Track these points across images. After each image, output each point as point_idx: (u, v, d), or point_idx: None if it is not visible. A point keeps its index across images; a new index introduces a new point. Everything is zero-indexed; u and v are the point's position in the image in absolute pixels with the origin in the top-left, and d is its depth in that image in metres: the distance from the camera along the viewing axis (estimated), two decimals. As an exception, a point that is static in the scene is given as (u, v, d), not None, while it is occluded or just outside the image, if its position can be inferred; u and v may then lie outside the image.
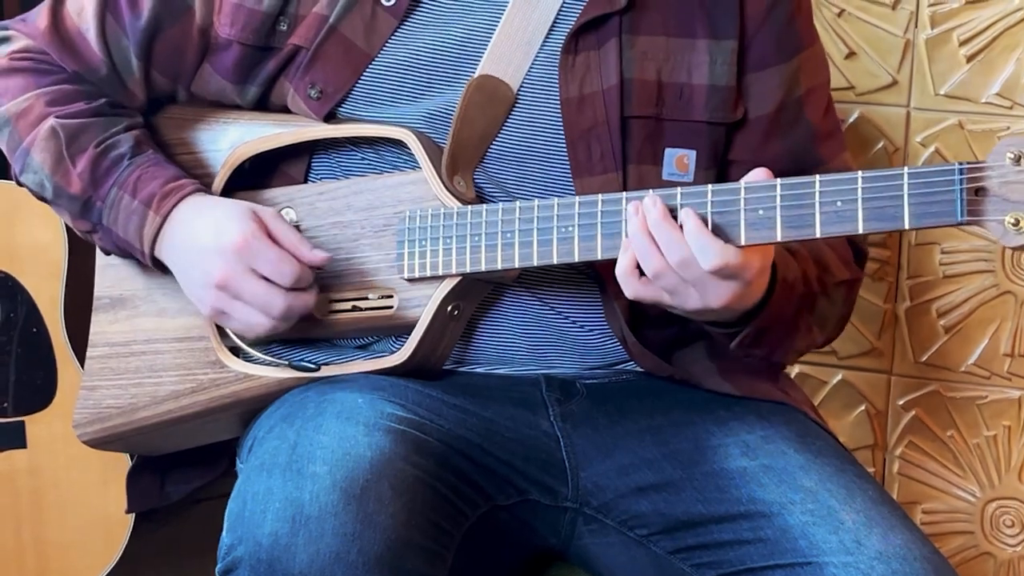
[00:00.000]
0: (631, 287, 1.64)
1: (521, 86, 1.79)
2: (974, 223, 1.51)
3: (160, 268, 1.82)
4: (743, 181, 1.61)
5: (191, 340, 1.85)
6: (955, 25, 2.25)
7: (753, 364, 1.82)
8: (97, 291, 1.94)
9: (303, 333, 1.81)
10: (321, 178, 1.84)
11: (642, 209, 1.63)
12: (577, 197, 1.68)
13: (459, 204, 1.74)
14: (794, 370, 2.39)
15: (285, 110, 1.85)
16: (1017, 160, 1.50)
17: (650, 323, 1.81)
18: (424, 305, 1.75)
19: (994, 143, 2.18)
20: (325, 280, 1.79)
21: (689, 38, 1.80)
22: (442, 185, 1.75)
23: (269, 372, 1.80)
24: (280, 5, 1.80)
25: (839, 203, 1.56)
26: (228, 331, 1.83)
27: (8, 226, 2.55)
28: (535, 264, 1.70)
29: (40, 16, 1.88)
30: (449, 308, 1.75)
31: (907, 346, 2.36)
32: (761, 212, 1.59)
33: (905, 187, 1.54)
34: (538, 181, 1.79)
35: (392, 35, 1.80)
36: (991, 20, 2.24)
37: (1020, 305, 2.30)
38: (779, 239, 1.59)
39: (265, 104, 1.86)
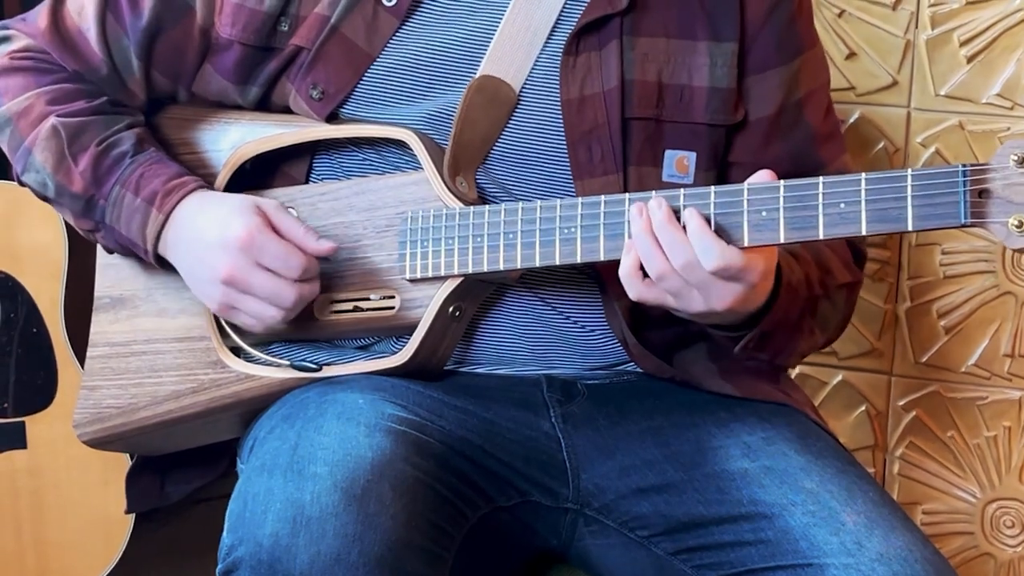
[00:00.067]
0: (635, 288, 1.64)
1: (523, 87, 1.78)
2: (978, 225, 1.51)
3: (163, 266, 1.82)
4: (746, 183, 1.61)
5: (192, 340, 1.85)
6: (955, 26, 2.25)
7: (756, 366, 1.82)
8: (97, 291, 1.94)
9: (304, 333, 1.81)
10: (323, 178, 1.84)
11: (646, 211, 1.62)
12: (580, 198, 1.68)
13: (461, 205, 1.74)
14: (794, 371, 2.39)
15: (286, 110, 1.84)
16: (1021, 162, 1.49)
17: (651, 324, 1.81)
18: (426, 306, 1.74)
19: (995, 144, 2.20)
20: (327, 280, 1.78)
21: (690, 40, 1.80)
22: (444, 186, 1.75)
23: (270, 372, 1.80)
24: (281, 5, 1.80)
25: (842, 205, 1.56)
26: (228, 331, 1.83)
27: (8, 226, 2.55)
28: (537, 265, 1.70)
29: (40, 16, 1.88)
30: (451, 309, 1.75)
31: (907, 347, 2.36)
32: (764, 214, 1.59)
33: (908, 189, 1.54)
34: (539, 182, 1.79)
35: (393, 35, 1.80)
36: (991, 21, 2.24)
37: (1020, 306, 2.30)
38: (782, 241, 1.59)
39: (266, 104, 1.86)
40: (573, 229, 1.68)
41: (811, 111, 1.85)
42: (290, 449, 1.59)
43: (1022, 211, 1.50)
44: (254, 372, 1.80)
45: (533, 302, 1.80)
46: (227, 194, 1.81)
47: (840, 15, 2.29)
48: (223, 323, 1.83)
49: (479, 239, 1.72)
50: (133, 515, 2.56)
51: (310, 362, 1.78)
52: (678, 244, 1.60)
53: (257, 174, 1.86)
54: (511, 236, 1.70)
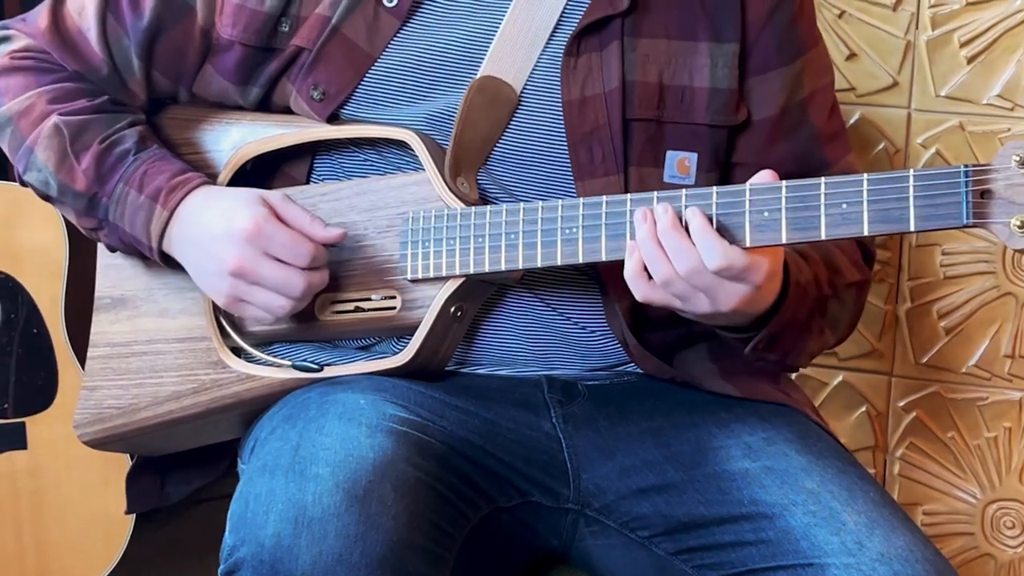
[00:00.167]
0: (640, 289, 1.64)
1: (524, 88, 1.78)
2: (980, 226, 1.51)
3: (167, 263, 1.82)
4: (748, 183, 1.61)
5: (193, 340, 1.85)
6: (956, 26, 2.26)
7: (767, 368, 1.82)
8: (98, 291, 1.94)
9: (305, 334, 1.81)
10: (323, 179, 1.84)
11: (651, 216, 1.62)
12: (581, 199, 1.68)
13: (462, 205, 1.74)
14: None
15: (287, 111, 1.84)
16: (1023, 163, 1.49)
17: (651, 325, 1.81)
18: (427, 306, 1.74)
19: (995, 145, 2.20)
20: (328, 280, 1.78)
21: (691, 41, 1.80)
22: (445, 186, 1.75)
23: (271, 373, 1.80)
24: (282, 6, 1.80)
25: (844, 205, 1.56)
26: (229, 331, 1.83)
27: (8, 227, 2.55)
28: (539, 265, 1.70)
29: (40, 16, 1.88)
30: (452, 309, 1.75)
31: (908, 347, 2.36)
32: (766, 214, 1.59)
33: (911, 189, 1.54)
34: (540, 183, 1.79)
35: (394, 36, 1.80)
36: (992, 21, 2.24)
37: (1021, 307, 2.30)
38: (784, 241, 1.59)
39: (267, 105, 1.86)
40: (575, 229, 1.68)
41: (815, 111, 1.85)
42: (292, 450, 1.59)
43: (1024, 211, 1.50)
44: (255, 372, 1.80)
45: (534, 303, 1.80)
46: (231, 188, 1.82)
47: (840, 16, 2.29)
48: (224, 323, 1.83)
49: (480, 239, 1.72)
50: (133, 515, 2.56)
51: (311, 362, 1.78)
52: (683, 250, 1.60)
53: (258, 175, 1.86)
54: (512, 236, 1.70)
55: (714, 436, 1.76)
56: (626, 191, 1.76)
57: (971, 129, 2.27)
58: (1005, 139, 2.24)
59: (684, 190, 1.64)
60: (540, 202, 1.70)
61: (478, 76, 1.77)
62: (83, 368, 1.98)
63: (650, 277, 1.63)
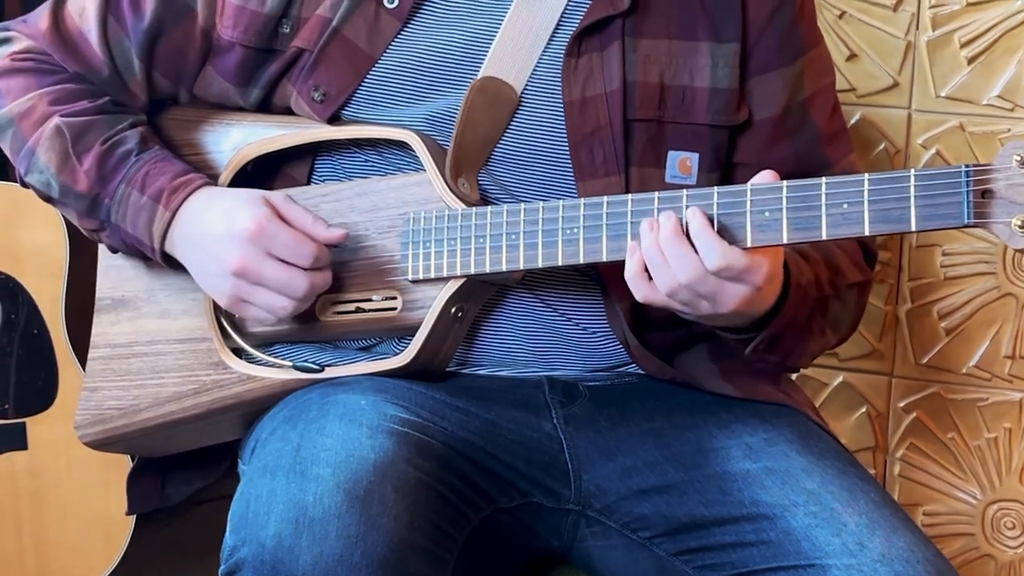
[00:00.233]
0: (641, 290, 1.64)
1: (525, 88, 1.79)
2: (981, 225, 1.51)
3: (170, 264, 1.82)
4: (749, 183, 1.61)
5: (193, 341, 1.85)
6: (956, 27, 2.26)
7: (768, 369, 1.82)
8: (99, 292, 1.94)
9: (306, 334, 1.81)
10: (324, 180, 1.84)
11: (657, 227, 1.62)
12: (582, 199, 1.68)
13: (463, 206, 1.74)
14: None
15: (288, 112, 1.84)
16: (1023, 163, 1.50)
17: (652, 326, 1.81)
18: (428, 306, 1.74)
19: (996, 145, 2.20)
20: (329, 281, 1.79)
21: (691, 41, 1.80)
22: (446, 187, 1.75)
23: (272, 373, 1.80)
24: (283, 7, 1.80)
25: (845, 205, 1.56)
26: (230, 331, 1.83)
27: (9, 227, 2.55)
28: (540, 266, 1.70)
29: (41, 17, 1.88)
30: (453, 310, 1.75)
31: (908, 348, 2.36)
32: (767, 214, 1.59)
33: (911, 189, 1.54)
34: (541, 183, 1.79)
35: (395, 37, 1.80)
36: (992, 22, 2.24)
37: (1021, 307, 2.30)
38: (785, 241, 1.59)
39: (268, 106, 1.86)
40: (576, 230, 1.68)
41: (816, 111, 1.85)
42: (292, 450, 1.59)
43: (1025, 211, 1.50)
44: (256, 373, 1.80)
45: (535, 304, 1.80)
46: (233, 188, 1.82)
47: (841, 16, 2.30)
48: (225, 324, 1.83)
49: (481, 240, 1.72)
50: (134, 516, 2.56)
51: (312, 363, 1.78)
52: (684, 257, 1.60)
53: (259, 175, 1.86)
54: (513, 237, 1.70)
55: (715, 437, 1.76)
56: (627, 191, 1.76)
57: (971, 130, 2.27)
58: (1005, 140, 2.24)
59: (685, 190, 1.64)
60: (541, 202, 1.70)
61: (479, 77, 1.77)
62: (84, 369, 1.98)
63: (651, 278, 1.63)
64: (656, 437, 1.78)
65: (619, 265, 1.66)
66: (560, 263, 1.69)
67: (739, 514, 1.69)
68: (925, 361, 2.35)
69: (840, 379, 2.40)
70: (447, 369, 1.81)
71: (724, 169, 1.83)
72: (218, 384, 1.82)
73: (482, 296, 1.78)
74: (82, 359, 2.49)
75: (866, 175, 1.56)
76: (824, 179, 1.58)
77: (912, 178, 1.54)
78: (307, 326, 1.79)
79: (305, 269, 1.73)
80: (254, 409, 1.82)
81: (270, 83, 1.83)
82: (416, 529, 1.57)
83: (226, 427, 1.88)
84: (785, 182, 1.59)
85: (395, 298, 1.77)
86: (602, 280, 1.79)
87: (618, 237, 1.66)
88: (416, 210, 1.76)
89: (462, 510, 1.67)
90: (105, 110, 1.84)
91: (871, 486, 1.70)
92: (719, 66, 1.80)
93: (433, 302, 1.74)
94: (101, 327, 1.93)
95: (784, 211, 1.59)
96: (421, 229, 1.75)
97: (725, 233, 1.60)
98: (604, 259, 1.67)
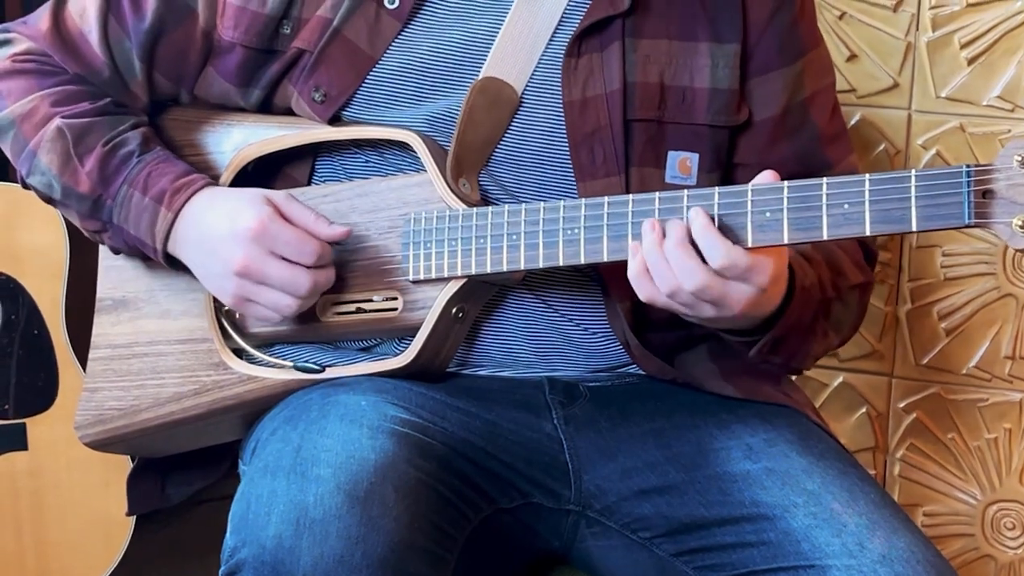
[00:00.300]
0: (645, 290, 1.64)
1: (525, 89, 1.79)
2: (982, 226, 1.51)
3: (172, 265, 1.82)
4: (751, 184, 1.61)
5: (194, 342, 1.85)
6: (956, 28, 2.26)
7: (772, 371, 1.82)
8: (100, 292, 1.94)
9: (307, 335, 1.81)
10: (325, 180, 1.84)
11: (659, 228, 1.62)
12: (583, 199, 1.68)
13: (464, 206, 1.74)
14: (794, 372, 2.39)
15: (289, 112, 1.84)
16: (1025, 162, 1.50)
17: (653, 326, 1.81)
18: (429, 307, 1.74)
19: (996, 146, 2.20)
20: (329, 281, 1.79)
21: (691, 41, 1.80)
22: (447, 187, 1.75)
23: (273, 374, 1.80)
24: (283, 8, 1.80)
25: (846, 205, 1.57)
26: (231, 332, 1.83)
27: (9, 228, 2.55)
28: (540, 266, 1.70)
29: (41, 18, 1.88)
30: (454, 310, 1.75)
31: (908, 348, 2.36)
32: (768, 214, 1.59)
33: (912, 189, 1.54)
34: (541, 184, 1.79)
35: (396, 38, 1.80)
36: (992, 23, 2.24)
37: (1021, 308, 2.30)
38: (786, 241, 1.59)
39: (268, 107, 1.86)
40: (576, 230, 1.68)
41: (816, 112, 1.85)
42: (293, 451, 1.59)
43: (1026, 211, 1.50)
44: (256, 374, 1.80)
45: (535, 304, 1.80)
46: (235, 188, 1.82)
47: (841, 17, 2.30)
48: (225, 324, 1.83)
49: (482, 240, 1.72)
50: (134, 516, 2.56)
51: (313, 363, 1.78)
52: (689, 265, 1.60)
53: (259, 176, 1.86)
54: (514, 237, 1.70)
55: (715, 437, 1.77)
56: (627, 192, 1.76)
57: (971, 130, 2.27)
58: (1005, 140, 2.24)
59: (686, 190, 1.64)
60: (542, 203, 1.70)
61: (480, 77, 1.77)
62: (84, 369, 1.98)
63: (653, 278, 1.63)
64: (656, 438, 1.78)
65: (620, 265, 1.66)
66: (561, 263, 1.69)
67: (739, 515, 1.69)
68: (925, 362, 2.35)
69: (840, 379, 2.40)
70: (448, 370, 1.81)
71: (724, 169, 1.83)
72: (219, 384, 1.82)
73: (483, 297, 1.78)
74: (82, 360, 2.49)
75: (867, 175, 1.56)
76: (825, 179, 1.58)
77: (913, 178, 1.54)
78: (308, 326, 1.79)
79: (308, 267, 1.73)
80: (255, 409, 1.82)
81: (271, 84, 1.83)
82: (417, 529, 1.57)
83: (227, 427, 1.88)
84: (786, 182, 1.59)
85: (396, 298, 1.77)
86: (603, 280, 1.79)
87: (619, 237, 1.66)
88: (417, 210, 1.76)
89: (462, 510, 1.67)
90: (106, 111, 1.84)
91: (871, 487, 1.70)
92: (719, 66, 1.80)
93: (434, 302, 1.74)
94: (102, 328, 1.93)
95: (785, 211, 1.59)
96: (422, 229, 1.75)
97: (726, 233, 1.60)
98: (605, 259, 1.67)
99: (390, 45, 1.80)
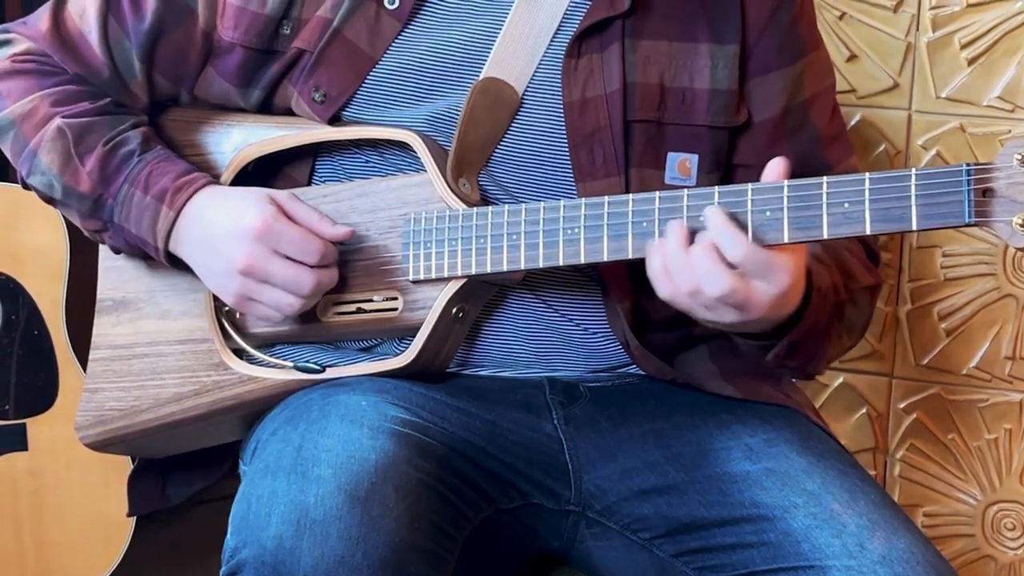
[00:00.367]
0: (665, 289, 1.63)
1: (526, 89, 1.79)
2: (982, 224, 1.51)
3: (174, 264, 1.82)
4: (752, 184, 1.61)
5: (194, 342, 1.85)
6: (956, 28, 2.26)
7: (788, 375, 1.82)
8: (100, 293, 1.94)
9: (307, 335, 1.81)
10: (325, 181, 1.84)
11: (682, 231, 1.61)
12: (583, 199, 1.68)
13: (464, 206, 1.74)
14: (794, 373, 2.39)
15: (289, 113, 1.84)
16: (1024, 161, 1.50)
17: (653, 326, 1.81)
18: (429, 307, 1.74)
19: (996, 146, 2.20)
20: (329, 281, 1.79)
21: (691, 42, 1.80)
22: (447, 187, 1.75)
23: (273, 374, 1.80)
24: (283, 9, 1.80)
25: (846, 204, 1.57)
26: (231, 332, 1.83)
27: (9, 228, 2.55)
28: (540, 266, 1.70)
29: (41, 19, 1.88)
30: (454, 310, 1.75)
31: (908, 349, 2.36)
32: (768, 214, 1.59)
33: (912, 188, 1.54)
34: (541, 184, 1.79)
35: (396, 38, 1.80)
36: (992, 23, 2.24)
37: (1021, 308, 2.30)
38: (786, 240, 1.59)
39: (268, 107, 1.86)
40: (576, 230, 1.68)
41: (816, 113, 1.85)
42: (294, 451, 1.59)
43: (1026, 210, 1.50)
44: (257, 374, 1.80)
45: (535, 305, 1.80)
46: (237, 187, 1.82)
47: (841, 17, 2.30)
48: (226, 325, 1.83)
49: (482, 240, 1.72)
50: (135, 516, 2.56)
51: (313, 364, 1.78)
52: (715, 272, 1.58)
53: (259, 176, 1.86)
54: (514, 237, 1.70)
55: (715, 438, 1.76)
56: (627, 192, 1.76)
57: (972, 131, 2.27)
58: (1005, 140, 2.24)
59: (686, 190, 1.64)
60: (542, 203, 1.70)
61: (480, 77, 1.77)
62: (84, 370, 1.98)
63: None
64: (656, 438, 1.78)
65: (620, 265, 1.66)
66: (561, 263, 1.69)
67: (739, 515, 1.69)
68: (925, 362, 2.35)
69: (840, 380, 2.40)
70: (448, 370, 1.81)
71: (724, 170, 1.83)
72: (219, 385, 1.82)
73: (483, 297, 1.78)
74: (82, 360, 2.49)
75: (867, 174, 1.56)
76: (825, 178, 1.58)
77: (913, 177, 1.54)
78: (308, 327, 1.79)
79: (311, 266, 1.73)
80: (255, 410, 1.82)
81: (271, 84, 1.83)
82: (417, 529, 1.57)
83: (227, 428, 1.88)
84: (786, 181, 1.59)
85: (396, 298, 1.77)
86: (602, 280, 1.79)
87: (619, 237, 1.66)
88: (417, 210, 1.76)
89: (463, 510, 1.67)
90: (107, 111, 1.84)
91: (871, 487, 1.70)
92: (719, 67, 1.80)
93: (434, 302, 1.74)
94: (102, 328, 1.93)
95: (785, 210, 1.59)
96: (422, 229, 1.75)
97: (727, 232, 1.60)
98: (605, 259, 1.67)
99: (390, 45, 1.80)
